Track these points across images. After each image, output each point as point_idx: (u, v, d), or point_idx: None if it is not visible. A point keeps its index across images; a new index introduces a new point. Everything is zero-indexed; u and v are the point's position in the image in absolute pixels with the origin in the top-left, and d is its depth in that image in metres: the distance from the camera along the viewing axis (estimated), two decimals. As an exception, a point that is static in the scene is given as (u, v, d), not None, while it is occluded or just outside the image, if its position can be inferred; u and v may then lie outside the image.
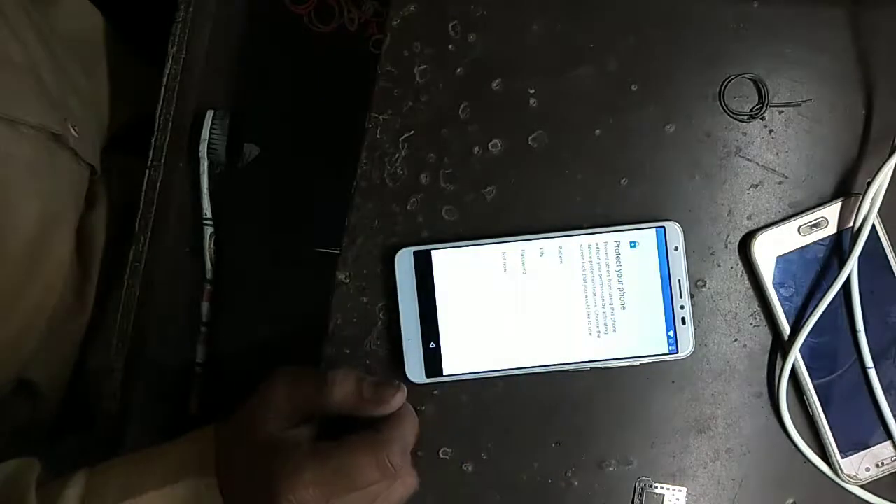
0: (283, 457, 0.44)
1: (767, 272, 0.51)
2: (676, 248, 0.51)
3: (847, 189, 0.52)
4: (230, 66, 0.61)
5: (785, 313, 0.51)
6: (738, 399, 0.52)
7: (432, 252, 0.51)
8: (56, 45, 0.57)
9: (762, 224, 0.52)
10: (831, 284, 0.50)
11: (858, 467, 0.51)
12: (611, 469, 0.52)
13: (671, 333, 0.51)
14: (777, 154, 0.52)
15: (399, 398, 0.47)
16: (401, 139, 0.53)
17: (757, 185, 0.52)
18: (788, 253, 0.51)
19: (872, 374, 0.50)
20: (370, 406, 0.47)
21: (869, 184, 0.49)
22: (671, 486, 0.52)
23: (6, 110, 0.47)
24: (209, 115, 0.58)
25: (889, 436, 0.51)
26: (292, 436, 0.45)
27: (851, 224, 0.50)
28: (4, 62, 0.48)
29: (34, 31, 0.53)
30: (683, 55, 0.53)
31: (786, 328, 0.51)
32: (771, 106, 0.52)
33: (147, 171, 0.56)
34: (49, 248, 0.53)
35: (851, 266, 0.50)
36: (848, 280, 0.50)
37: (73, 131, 0.53)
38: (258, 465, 0.44)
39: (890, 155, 0.49)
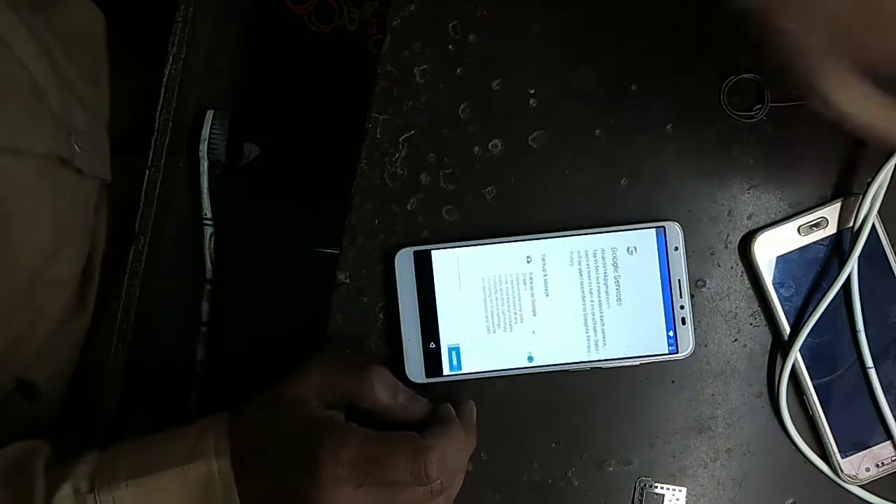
0: (324, 431, 0.44)
1: (767, 272, 0.51)
2: (676, 249, 0.51)
3: (847, 189, 0.52)
4: (230, 66, 0.61)
5: (785, 313, 0.51)
6: (738, 399, 0.52)
7: (432, 252, 0.51)
8: (58, 52, 0.56)
9: (762, 224, 0.52)
10: (831, 284, 0.50)
11: (858, 467, 0.51)
12: (611, 469, 0.52)
13: (671, 333, 0.51)
14: (777, 154, 0.52)
15: (423, 413, 0.49)
16: (401, 139, 0.53)
17: (757, 185, 0.52)
18: (788, 253, 0.51)
19: (872, 374, 0.50)
20: (400, 412, 0.48)
21: (869, 184, 0.49)
22: (671, 486, 0.52)
23: (9, 142, 0.47)
24: (209, 115, 0.58)
25: (889, 436, 0.51)
26: (332, 414, 0.46)
27: (851, 224, 0.50)
28: (6, 88, 0.48)
29: (37, 44, 0.53)
30: (683, 55, 0.53)
31: (786, 328, 0.51)
32: (771, 106, 0.52)
33: (147, 171, 0.56)
34: (54, 268, 0.53)
35: (851, 266, 0.50)
36: (848, 280, 0.50)
37: (76, 147, 0.53)
38: (296, 441, 0.44)
39: (890, 155, 0.49)
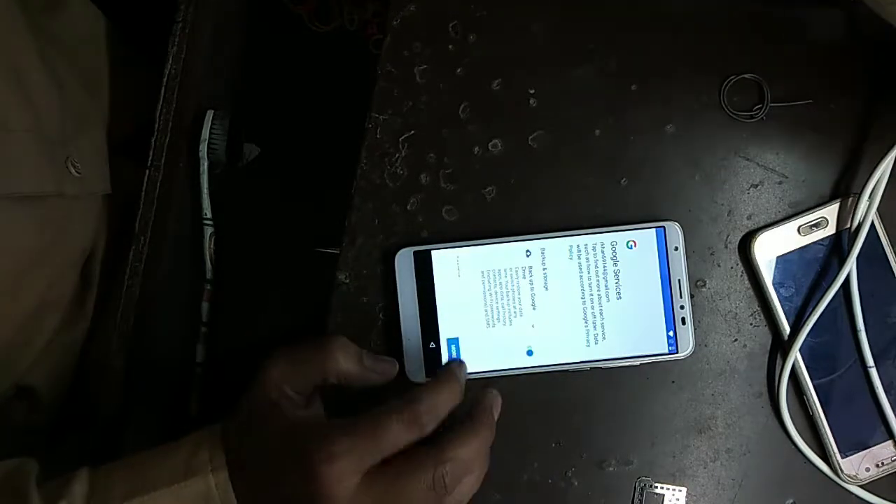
0: (310, 434, 0.44)
1: (767, 272, 0.51)
2: (676, 248, 0.51)
3: (847, 189, 0.52)
4: (230, 66, 0.61)
5: (785, 313, 0.51)
6: (738, 399, 0.52)
7: (432, 252, 0.51)
8: (58, 57, 0.56)
9: (762, 224, 0.52)
10: (831, 284, 0.50)
11: (858, 467, 0.51)
12: (611, 469, 0.52)
13: (671, 333, 0.51)
14: (777, 154, 0.52)
15: (393, 371, 0.49)
16: (401, 139, 0.53)
17: (757, 185, 0.52)
18: (788, 253, 0.51)
19: (873, 373, 0.50)
20: (370, 375, 0.48)
21: (865, 184, 0.49)
22: (671, 486, 0.52)
23: (2, 188, 0.47)
24: (209, 115, 0.58)
25: (890, 435, 0.51)
26: (312, 415, 0.46)
27: (849, 225, 0.50)
28: (2, 131, 0.47)
29: (40, 61, 0.52)
30: (683, 55, 0.53)
31: (786, 328, 0.51)
32: (771, 106, 0.52)
33: (147, 171, 0.56)
34: (52, 292, 0.53)
35: (850, 266, 0.50)
36: (847, 280, 0.50)
37: (73, 171, 0.52)
38: (285, 449, 0.44)
39: (885, 154, 0.49)
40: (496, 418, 0.47)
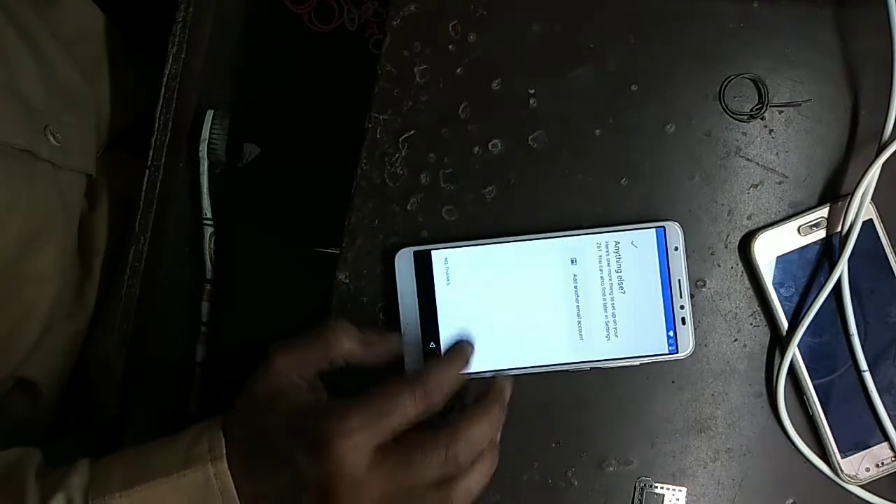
0: (323, 412, 0.44)
1: (767, 272, 0.51)
2: (676, 248, 0.51)
3: (847, 189, 0.52)
4: (230, 66, 0.61)
5: (785, 313, 0.51)
6: (738, 399, 0.52)
7: (432, 252, 0.51)
8: (52, 45, 0.56)
9: (762, 224, 0.52)
10: (824, 285, 0.50)
11: (858, 467, 0.51)
12: (611, 469, 0.52)
13: (671, 333, 0.51)
14: (777, 154, 0.52)
15: (398, 345, 0.50)
16: (401, 139, 0.53)
17: (757, 185, 0.52)
18: (788, 253, 0.51)
19: (867, 377, 0.50)
20: (376, 351, 0.48)
21: (856, 186, 0.49)
22: (671, 486, 0.52)
23: None
24: (209, 115, 0.58)
25: (886, 438, 0.51)
26: (318, 398, 0.46)
27: (839, 228, 0.50)
28: None
29: (20, 35, 0.53)
30: (683, 55, 0.53)
31: (786, 328, 0.51)
32: (771, 106, 0.52)
33: (147, 171, 0.56)
34: (32, 263, 0.53)
35: (841, 269, 0.50)
36: (839, 283, 0.50)
37: (52, 140, 0.52)
38: (294, 431, 0.44)
39: (875, 158, 0.49)
40: (507, 400, 0.48)
